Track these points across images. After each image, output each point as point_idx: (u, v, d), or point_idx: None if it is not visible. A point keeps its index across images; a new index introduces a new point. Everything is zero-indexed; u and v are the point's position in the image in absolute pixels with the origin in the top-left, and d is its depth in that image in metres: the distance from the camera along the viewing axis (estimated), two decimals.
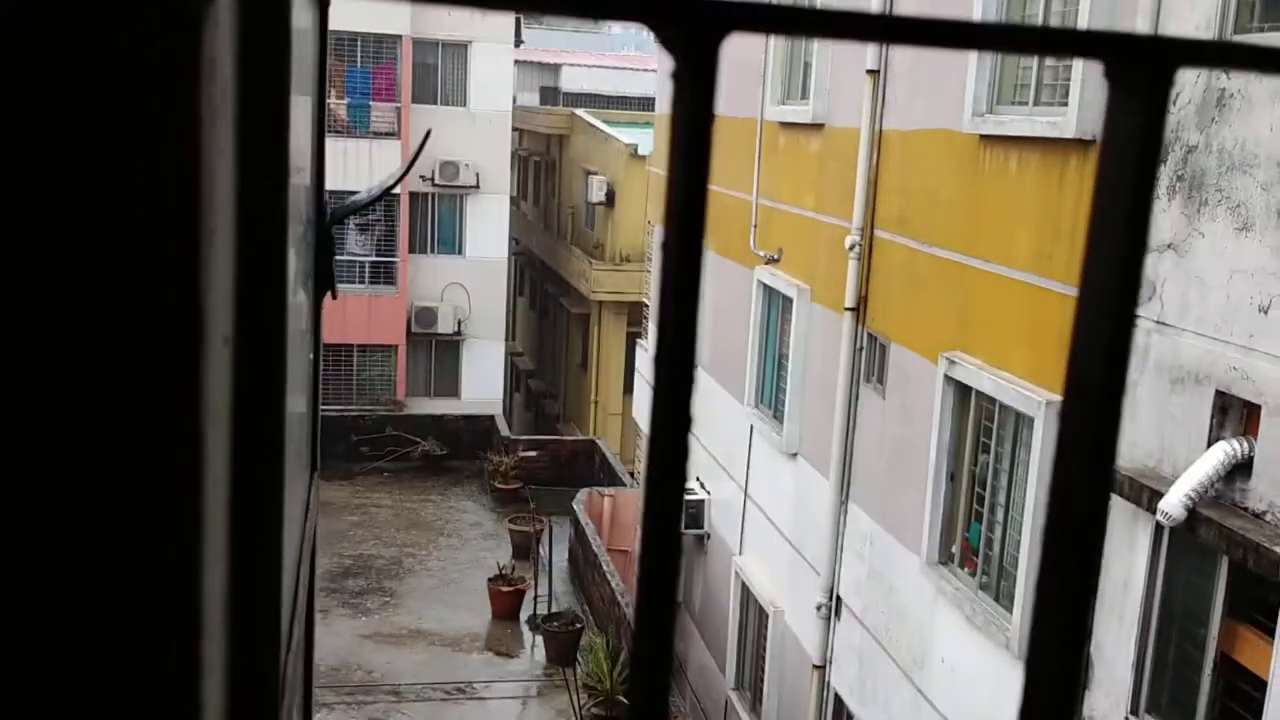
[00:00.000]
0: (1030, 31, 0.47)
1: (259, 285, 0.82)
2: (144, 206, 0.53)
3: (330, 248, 2.02)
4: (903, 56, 10.10)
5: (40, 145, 0.51)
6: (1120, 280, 0.46)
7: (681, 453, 0.44)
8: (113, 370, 0.54)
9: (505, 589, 18.01)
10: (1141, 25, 6.91)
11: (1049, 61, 8.21)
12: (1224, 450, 6.16)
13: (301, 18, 1.53)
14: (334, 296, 2.05)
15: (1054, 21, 8.14)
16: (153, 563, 0.57)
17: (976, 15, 8.67)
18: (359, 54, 25.57)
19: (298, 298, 1.65)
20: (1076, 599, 0.47)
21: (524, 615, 18.07)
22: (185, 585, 0.58)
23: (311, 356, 1.93)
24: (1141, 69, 0.44)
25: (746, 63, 13.50)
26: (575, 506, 19.69)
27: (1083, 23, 7.47)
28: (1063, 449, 0.48)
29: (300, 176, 1.59)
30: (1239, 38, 6.35)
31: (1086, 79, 7.41)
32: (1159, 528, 6.63)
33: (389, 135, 25.43)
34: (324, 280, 1.99)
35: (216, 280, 0.63)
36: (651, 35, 0.39)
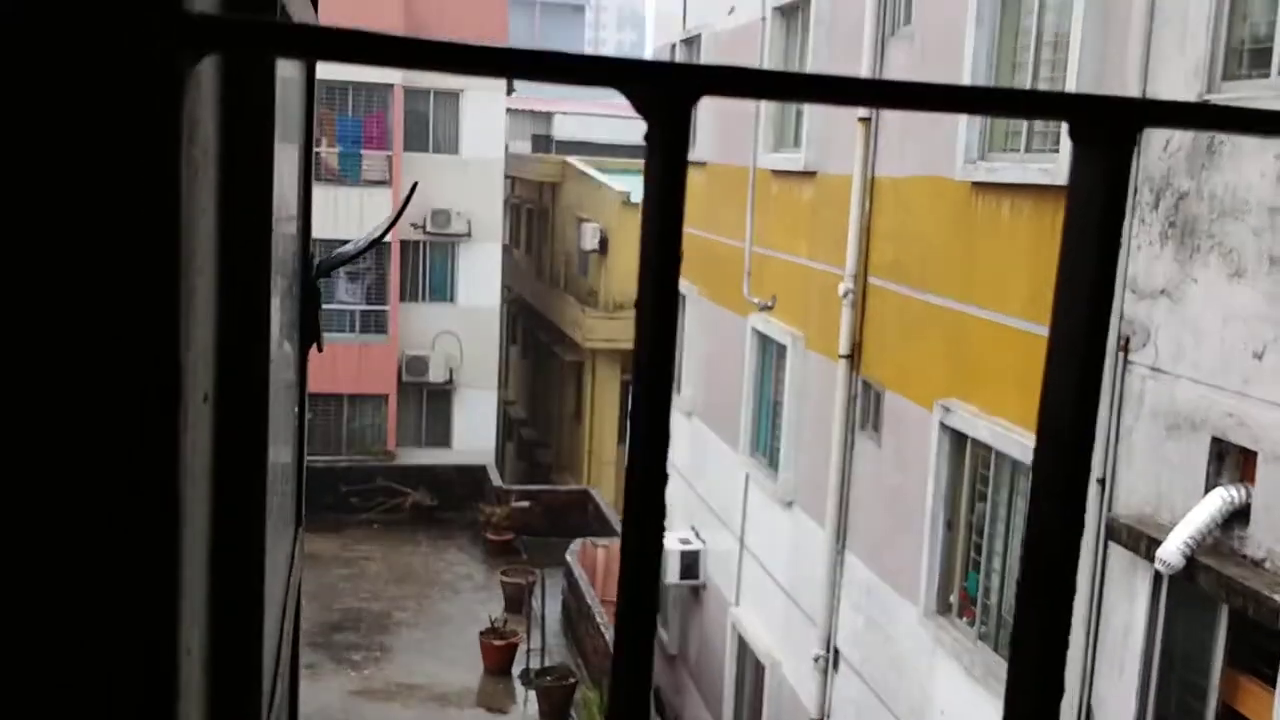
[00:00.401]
0: (998, 94, 0.48)
1: (242, 342, 0.82)
2: (122, 267, 0.53)
3: (316, 300, 1.99)
4: None
5: (22, 205, 0.52)
6: (1087, 334, 0.47)
7: (659, 485, 0.45)
8: (90, 428, 0.54)
9: (497, 643, 17.82)
10: (1131, 73, 6.96)
11: None
12: (1221, 497, 6.13)
13: (288, 68, 1.51)
14: (319, 349, 2.02)
15: (1044, 69, 8.20)
16: (128, 621, 0.55)
17: (966, 66, 8.74)
18: (350, 103, 25.73)
19: (283, 350, 1.62)
20: (1054, 638, 0.48)
21: (516, 669, 17.86)
22: (162, 643, 0.55)
23: (297, 410, 1.90)
24: (1106, 129, 0.45)
25: (739, 110, 13.59)
26: (568, 558, 19.54)
27: (1071, 71, 7.52)
28: (1036, 491, 0.49)
29: (287, 228, 1.58)
30: (1227, 85, 6.39)
31: None
32: (1158, 576, 6.57)
33: (380, 184, 25.53)
34: (310, 332, 1.97)
35: (197, 337, 0.63)
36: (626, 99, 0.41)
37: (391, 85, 25.61)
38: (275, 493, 1.32)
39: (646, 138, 0.41)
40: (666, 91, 0.40)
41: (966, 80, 8.74)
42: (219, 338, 0.77)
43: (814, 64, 11.61)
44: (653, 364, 0.42)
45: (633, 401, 0.43)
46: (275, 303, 1.47)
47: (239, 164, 0.79)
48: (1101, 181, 0.44)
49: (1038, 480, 0.48)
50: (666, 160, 0.40)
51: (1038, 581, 0.47)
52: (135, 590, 0.55)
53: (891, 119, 10.20)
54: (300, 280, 1.87)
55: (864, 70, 10.38)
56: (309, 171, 2.06)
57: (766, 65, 12.78)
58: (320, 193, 24.76)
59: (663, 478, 0.43)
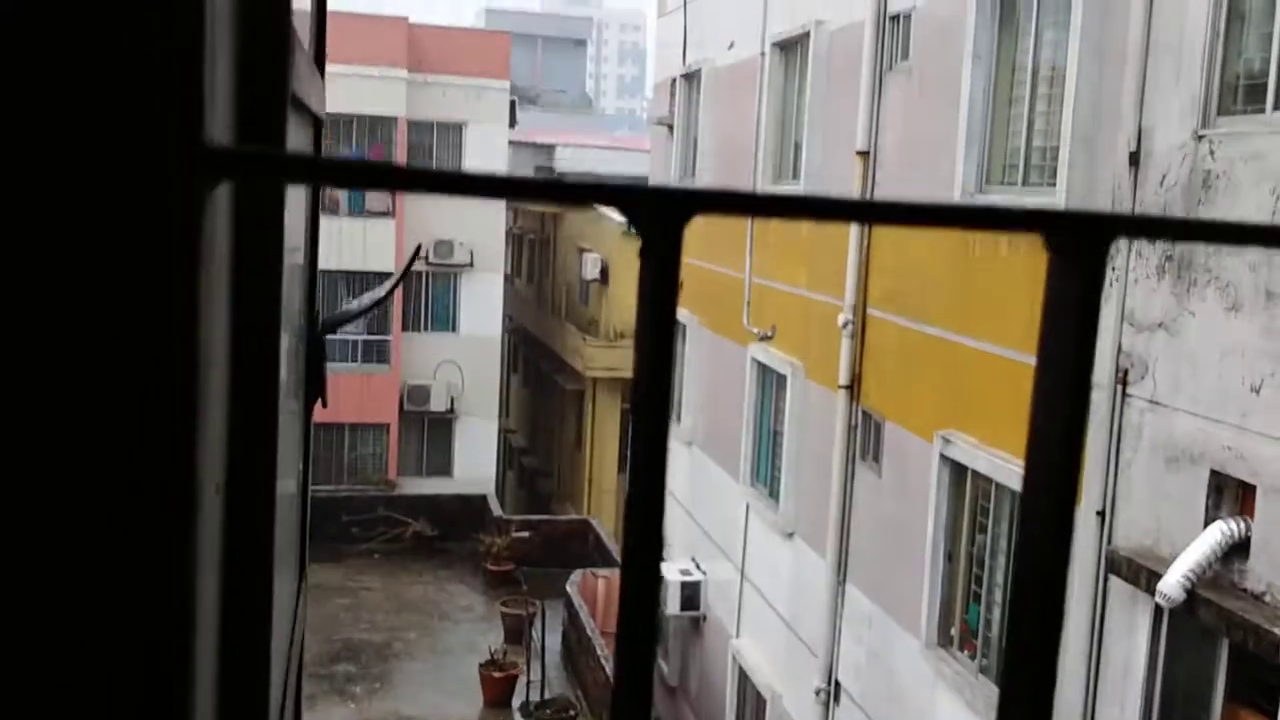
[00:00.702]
0: (971, 211, 0.49)
1: (251, 432, 0.84)
2: (141, 377, 0.56)
3: (322, 356, 2.02)
4: (893, 137, 10.23)
5: (47, 324, 0.54)
6: (1063, 447, 0.48)
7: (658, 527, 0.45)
8: (112, 532, 0.56)
9: (497, 674, 17.73)
10: (1126, 108, 7.00)
11: (1037, 141, 8.31)
12: (1221, 530, 6.12)
13: (296, 142, 1.54)
14: (324, 404, 2.04)
15: (1040, 103, 8.26)
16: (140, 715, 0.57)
17: (964, 100, 8.80)
18: (354, 135, 25.87)
19: (289, 409, 1.65)
20: (1043, 667, 0.48)
21: (516, 702, 17.75)
22: None
23: (301, 466, 1.91)
24: (1079, 242, 0.47)
25: (739, 142, 13.67)
26: (569, 588, 19.47)
27: (1068, 105, 7.57)
28: (1015, 601, 0.50)
29: (292, 288, 1.60)
30: (1223, 120, 6.43)
31: (1075, 160, 7.49)
32: (1158, 609, 6.56)
33: (383, 215, 25.62)
34: (314, 389, 1.99)
35: (210, 435, 0.66)
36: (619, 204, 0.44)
37: (395, 118, 25.76)
38: (280, 554, 1.34)
39: (641, 253, 0.43)
40: (662, 213, 0.43)
41: (964, 113, 8.81)
42: (230, 429, 0.80)
43: (812, 99, 11.69)
44: (649, 473, 0.43)
45: (626, 510, 0.45)
46: (282, 364, 1.50)
47: (249, 270, 0.83)
48: (1076, 292, 0.46)
49: (1019, 588, 0.50)
50: (659, 275, 0.43)
51: (1027, 610, 0.48)
52: (149, 680, 0.57)
53: (890, 152, 10.25)
54: (305, 337, 1.90)
55: (862, 105, 10.45)
56: (316, 227, 2.09)
57: (765, 100, 12.87)
58: (324, 224, 24.81)
59: (660, 520, 0.45)
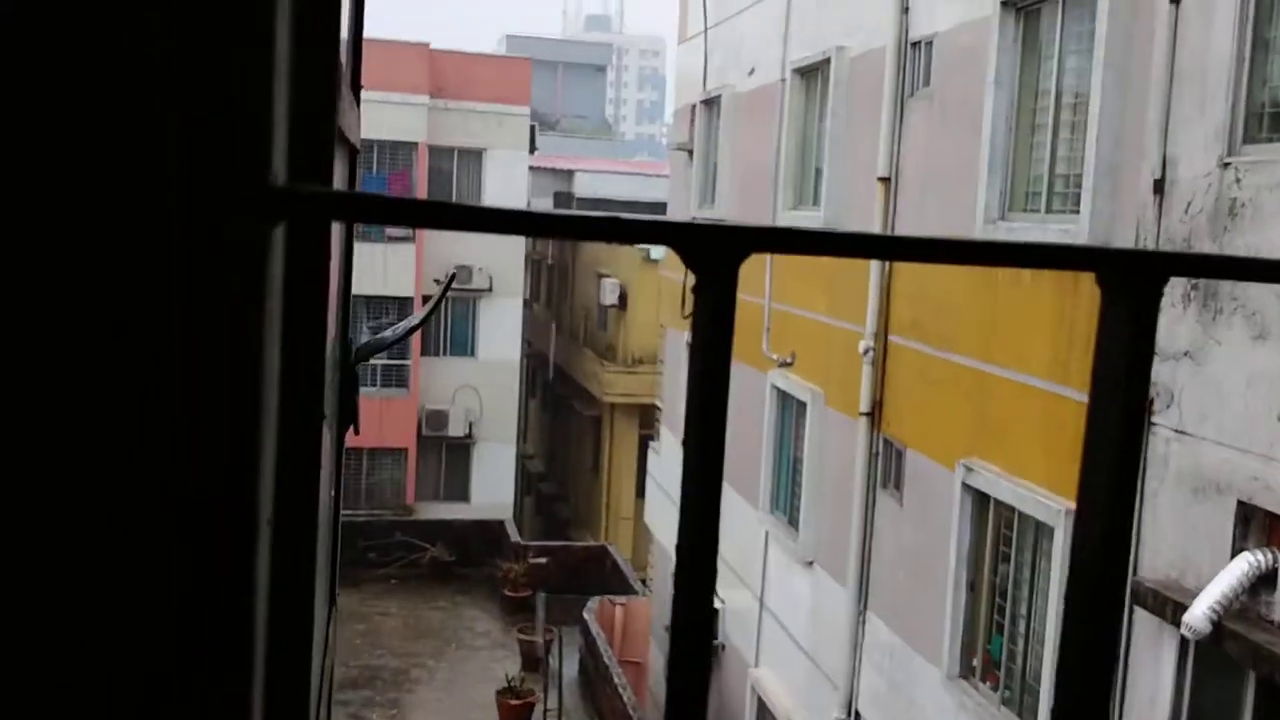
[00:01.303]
0: (1031, 247, 0.50)
1: (297, 468, 0.86)
2: (207, 412, 0.57)
3: (355, 385, 2.02)
4: (914, 163, 10.21)
5: (118, 363, 0.56)
6: (1115, 486, 0.47)
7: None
8: (170, 564, 0.57)
9: (514, 702, 17.65)
10: (1151, 136, 6.97)
11: (1060, 169, 8.28)
12: (1248, 561, 6.05)
13: (338, 170, 1.55)
14: (356, 431, 2.04)
15: (1064, 130, 8.23)
16: None
17: (986, 127, 8.78)
18: (375, 160, 26.03)
19: (325, 442, 1.65)
20: (1096, 701, 0.48)
21: None
22: None
23: (333, 494, 1.91)
24: (1132, 281, 0.47)
25: (759, 167, 13.68)
26: (586, 615, 19.39)
27: (1091, 132, 7.54)
28: (1066, 641, 0.50)
29: (330, 326, 1.61)
30: (1248, 149, 6.39)
31: (1098, 187, 7.45)
32: (1184, 641, 6.47)
33: (404, 240, 25.74)
34: (348, 417, 1.99)
35: (264, 468, 0.66)
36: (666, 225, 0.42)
37: (415, 144, 25.91)
38: (318, 585, 1.34)
39: (695, 290, 0.43)
40: (717, 251, 0.42)
41: (986, 140, 8.78)
42: (279, 462, 0.81)
43: (833, 125, 11.69)
44: (700, 519, 0.43)
45: (677, 560, 0.43)
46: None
47: (299, 304, 0.84)
48: (1129, 329, 0.46)
49: (1068, 629, 0.49)
50: (715, 313, 0.42)
51: (1080, 649, 0.48)
52: (209, 709, 0.58)
53: (912, 179, 10.24)
54: (339, 367, 1.90)
55: (883, 131, 10.44)
56: (350, 258, 2.09)
57: (785, 125, 12.88)
58: None
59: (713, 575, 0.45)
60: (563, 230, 0.40)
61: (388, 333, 2.93)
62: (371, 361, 26.18)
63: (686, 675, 0.41)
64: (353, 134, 1.59)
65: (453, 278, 5.61)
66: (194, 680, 0.58)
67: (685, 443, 0.43)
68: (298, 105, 0.84)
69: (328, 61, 0.95)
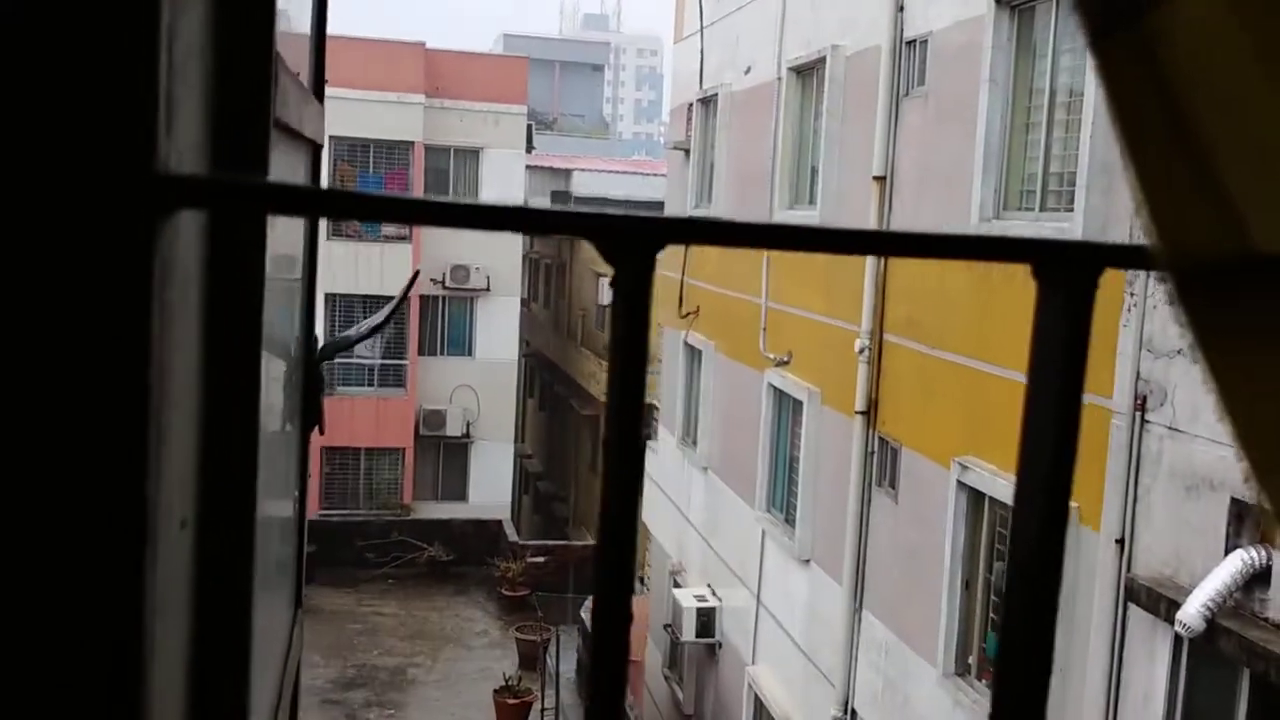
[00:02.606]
0: (964, 240, 0.49)
1: (227, 462, 0.83)
2: (90, 407, 0.55)
3: (319, 386, 2.01)
4: (909, 162, 10.22)
5: None
6: (1050, 478, 0.47)
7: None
8: (53, 564, 0.55)
9: (511, 701, 17.66)
10: None
11: (1054, 167, 8.29)
12: (1241, 558, 6.06)
13: (289, 168, 1.54)
14: (321, 432, 2.04)
15: (1058, 129, 8.24)
16: None
17: (980, 126, 8.79)
18: (371, 160, 26.02)
19: (285, 435, 1.63)
20: (1037, 670, 0.48)
21: None
22: None
23: (297, 494, 1.91)
24: (1069, 272, 0.47)
25: (755, 166, 13.69)
26: (583, 615, 19.39)
27: (1085, 130, 7.55)
28: (1005, 631, 0.50)
29: (288, 316, 1.59)
30: None
31: (1093, 184, 7.46)
32: (1178, 639, 6.49)
33: (400, 240, 25.74)
34: (311, 418, 1.98)
35: (173, 467, 0.64)
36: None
37: (412, 143, 25.91)
38: (271, 582, 1.32)
39: (612, 283, 0.43)
40: (633, 243, 0.42)
41: (980, 139, 8.79)
42: (202, 461, 0.78)
43: (828, 124, 11.70)
44: (620, 503, 0.43)
45: (597, 542, 0.45)
46: (279, 386, 1.49)
47: (226, 297, 0.83)
48: (1064, 321, 0.46)
49: (1008, 620, 0.49)
50: (631, 303, 0.42)
51: (1024, 615, 0.48)
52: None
53: (907, 177, 10.25)
54: (303, 365, 1.89)
55: (878, 129, 10.45)
56: (314, 255, 2.08)
57: (781, 124, 12.89)
58: (341, 248, 25.04)
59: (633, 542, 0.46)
60: (466, 221, 0.40)
61: (351, 332, 2.94)
62: (369, 361, 26.20)
63: (608, 650, 0.42)
64: (310, 130, 1.58)
65: (415, 276, 5.64)
66: (78, 688, 0.56)
67: (606, 432, 0.43)
68: (222, 95, 0.83)
69: (258, 46, 0.94)
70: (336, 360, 25.41)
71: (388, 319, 3.09)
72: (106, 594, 0.56)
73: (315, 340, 2.03)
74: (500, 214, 0.40)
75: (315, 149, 1.94)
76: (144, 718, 0.58)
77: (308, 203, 0.41)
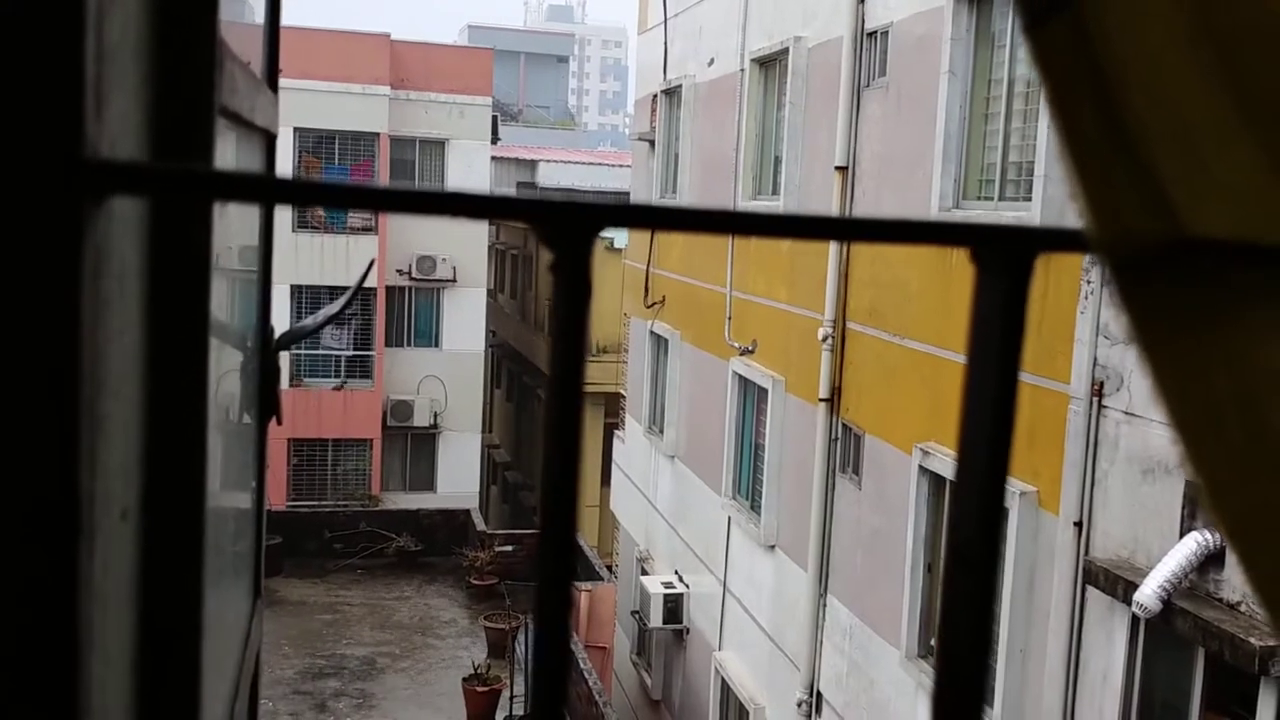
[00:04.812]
0: (902, 225, 0.49)
1: (173, 451, 0.82)
2: (12, 401, 0.54)
3: (275, 375, 2.03)
4: (871, 152, 10.31)
5: None
6: (990, 455, 0.47)
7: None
8: None
9: (480, 689, 17.68)
10: None
11: (1013, 156, 8.40)
12: (1196, 540, 6.18)
13: (244, 159, 1.56)
14: (279, 423, 2.06)
15: (1016, 119, 8.34)
16: None
17: (940, 116, 8.88)
18: (337, 151, 25.87)
19: (242, 425, 1.65)
20: (975, 652, 0.48)
21: (500, 716, 17.72)
22: None
23: (255, 484, 1.92)
24: (1004, 256, 0.47)
25: (719, 157, 13.74)
26: None
27: (1043, 120, 7.65)
28: (945, 616, 0.50)
29: (241, 304, 1.61)
30: None
31: (1050, 174, 7.57)
32: (1135, 619, 6.61)
33: (366, 231, 25.61)
34: (268, 408, 2.00)
35: (112, 457, 0.63)
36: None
37: (377, 134, 25.77)
38: (228, 568, 1.34)
39: (551, 268, 0.44)
40: (570, 227, 0.43)
41: (940, 129, 8.89)
42: (147, 450, 0.77)
43: (791, 115, 11.77)
44: (559, 487, 0.44)
45: (539, 519, 0.45)
46: (234, 375, 1.51)
47: (169, 285, 0.81)
48: (1001, 305, 0.47)
49: (947, 605, 0.49)
50: (570, 286, 0.44)
51: (961, 593, 0.48)
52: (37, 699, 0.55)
53: (869, 168, 10.33)
54: (259, 355, 1.91)
55: (840, 120, 10.53)
56: (270, 251, 2.11)
57: (745, 115, 12.95)
58: (307, 240, 24.89)
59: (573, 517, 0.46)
60: (407, 206, 0.41)
61: (308, 320, 2.95)
62: (336, 352, 26.07)
63: (550, 631, 0.44)
64: (261, 118, 1.58)
65: (371, 265, 5.64)
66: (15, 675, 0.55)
67: (545, 416, 0.45)
68: (163, 83, 0.81)
69: (201, 32, 0.92)
70: (304, 352, 25.27)
71: (344, 307, 3.11)
72: (40, 581, 0.55)
73: (272, 330, 2.05)
74: (439, 199, 0.42)
75: (269, 138, 1.95)
76: (81, 706, 0.57)
77: (245, 189, 0.43)
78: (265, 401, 1.94)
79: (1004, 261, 0.48)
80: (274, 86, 2.01)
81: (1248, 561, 0.43)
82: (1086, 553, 7.13)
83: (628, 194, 26.04)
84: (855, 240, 0.49)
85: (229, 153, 1.32)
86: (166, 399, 0.81)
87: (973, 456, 0.48)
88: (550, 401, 0.45)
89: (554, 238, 0.44)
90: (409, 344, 26.97)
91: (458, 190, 0.44)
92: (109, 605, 0.67)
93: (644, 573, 16.06)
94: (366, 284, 25.01)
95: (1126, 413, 6.86)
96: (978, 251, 0.48)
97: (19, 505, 0.54)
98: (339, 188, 0.43)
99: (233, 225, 1.38)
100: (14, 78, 0.52)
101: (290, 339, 2.44)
